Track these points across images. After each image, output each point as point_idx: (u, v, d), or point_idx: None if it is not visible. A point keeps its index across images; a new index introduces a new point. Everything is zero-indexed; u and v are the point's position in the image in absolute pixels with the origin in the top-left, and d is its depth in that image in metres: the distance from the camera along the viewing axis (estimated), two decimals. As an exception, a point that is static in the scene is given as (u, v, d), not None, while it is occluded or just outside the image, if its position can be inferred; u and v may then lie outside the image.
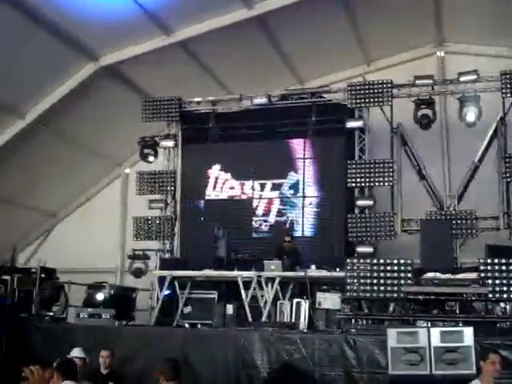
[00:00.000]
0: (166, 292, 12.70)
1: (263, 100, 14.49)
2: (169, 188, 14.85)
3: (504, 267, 10.02)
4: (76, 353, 8.82)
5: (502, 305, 10.25)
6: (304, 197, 14.84)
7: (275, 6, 13.80)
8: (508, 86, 12.71)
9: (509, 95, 12.81)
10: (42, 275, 12.73)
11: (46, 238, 18.84)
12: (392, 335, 8.09)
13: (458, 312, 10.11)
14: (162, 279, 12.87)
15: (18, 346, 10.09)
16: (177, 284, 12.66)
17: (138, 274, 14.66)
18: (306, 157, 14.95)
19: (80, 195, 18.67)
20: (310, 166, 14.86)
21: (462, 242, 12.94)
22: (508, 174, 12.64)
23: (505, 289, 9.91)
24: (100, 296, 12.67)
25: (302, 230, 14.71)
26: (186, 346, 9.50)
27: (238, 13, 13.92)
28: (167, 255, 14.67)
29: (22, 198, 16.90)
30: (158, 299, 12.82)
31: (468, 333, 7.90)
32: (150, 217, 14.79)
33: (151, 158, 15.15)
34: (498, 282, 9.94)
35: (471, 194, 13.43)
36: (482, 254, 10.90)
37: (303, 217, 14.76)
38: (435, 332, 7.97)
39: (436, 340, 7.89)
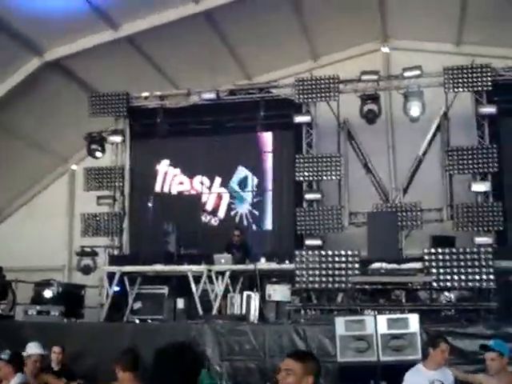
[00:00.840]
0: (116, 288, 12.64)
1: (212, 95, 14.47)
2: (117, 184, 14.68)
3: (447, 256, 10.36)
4: (35, 349, 8.07)
5: (446, 293, 10.57)
6: (253, 191, 14.96)
7: (223, 1, 13.81)
8: (450, 81, 13.03)
9: (451, 90, 13.16)
10: (-12, 274, 12.55)
11: (-10, 237, 18.45)
12: (340, 323, 8.29)
13: (404, 301, 10.39)
14: (111, 275, 12.80)
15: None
16: (126, 280, 12.62)
17: (86, 270, 14.46)
18: (254, 151, 15.09)
19: (25, 192, 18.29)
20: (259, 160, 14.99)
21: (408, 233, 13.22)
22: (451, 167, 12.96)
23: (448, 277, 10.25)
24: (48, 293, 12.53)
25: (252, 224, 14.83)
26: (136, 341, 9.45)
27: (186, 7, 13.87)
28: (116, 251, 14.54)
29: (-35, 196, 16.57)
30: (107, 296, 12.74)
31: (413, 320, 8.17)
32: (98, 213, 14.62)
33: (99, 154, 14.96)
34: (441, 270, 10.29)
35: (416, 187, 13.73)
36: (427, 245, 11.20)
37: (252, 211, 14.88)
38: (382, 319, 8.21)
39: (383, 327, 8.13)
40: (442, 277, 10.26)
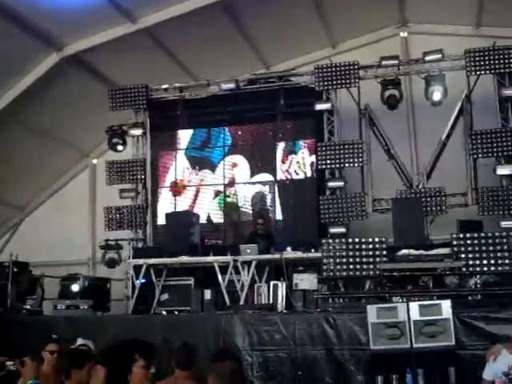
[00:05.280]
0: (142, 281, 12.66)
1: (231, 85, 14.40)
2: (139, 176, 14.71)
3: (476, 241, 10.26)
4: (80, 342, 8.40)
5: (474, 279, 10.50)
6: (275, 181, 14.91)
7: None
8: (472, 63, 12.88)
9: (473, 73, 13.02)
10: (15, 269, 12.62)
11: (15, 232, 18.58)
12: (372, 311, 8.28)
13: (431, 287, 10.33)
14: (136, 268, 12.83)
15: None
16: (152, 272, 12.63)
17: (111, 264, 14.56)
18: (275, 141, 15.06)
19: (48, 187, 18.39)
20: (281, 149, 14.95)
21: (432, 218, 13.14)
22: (474, 151, 12.84)
23: (477, 262, 10.16)
24: (75, 287, 12.59)
25: (275, 213, 14.80)
26: (166, 332, 9.53)
27: (202, -3, 13.85)
28: (140, 244, 14.58)
29: (-12, 193, 16.66)
30: (133, 288, 12.77)
31: (446, 306, 8.15)
32: (121, 206, 14.67)
33: (120, 147, 14.99)
34: (470, 255, 10.18)
35: (439, 172, 13.64)
36: (452, 230, 11.11)
37: (275, 200, 14.84)
38: (414, 306, 8.18)
39: (415, 314, 8.11)
40: (471, 262, 10.16)
